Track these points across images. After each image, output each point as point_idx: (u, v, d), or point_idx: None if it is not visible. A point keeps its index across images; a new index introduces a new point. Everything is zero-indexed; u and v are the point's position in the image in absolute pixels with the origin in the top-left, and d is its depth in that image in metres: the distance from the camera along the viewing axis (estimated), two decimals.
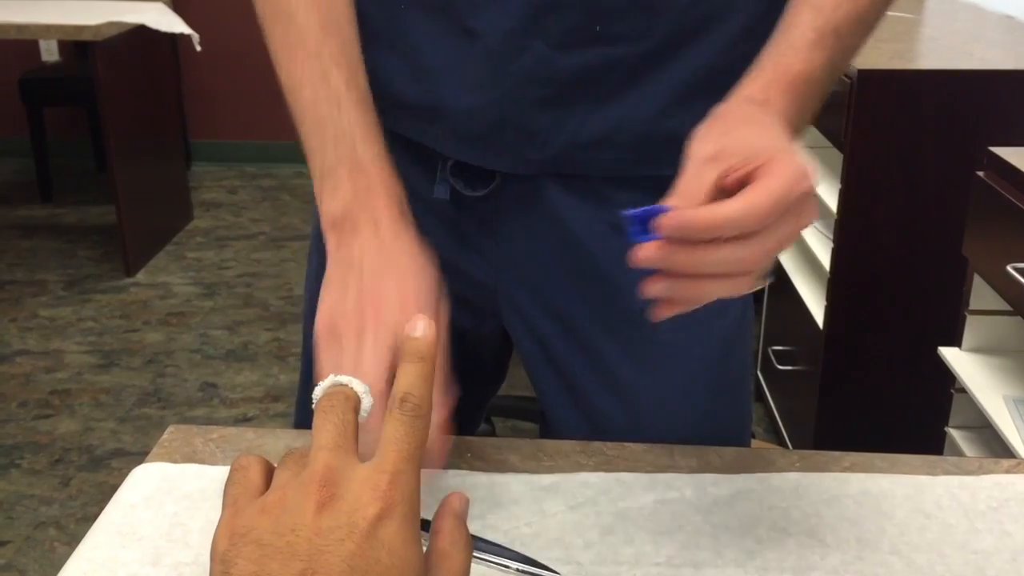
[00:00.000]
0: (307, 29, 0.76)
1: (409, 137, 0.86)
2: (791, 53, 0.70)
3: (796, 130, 0.69)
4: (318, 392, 0.50)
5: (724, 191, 0.59)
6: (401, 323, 0.62)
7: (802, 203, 0.58)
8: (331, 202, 0.74)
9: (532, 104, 0.77)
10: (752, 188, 0.57)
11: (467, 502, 0.54)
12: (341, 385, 0.50)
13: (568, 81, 0.77)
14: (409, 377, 0.48)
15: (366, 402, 0.50)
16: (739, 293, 0.60)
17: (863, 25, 0.74)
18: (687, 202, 0.59)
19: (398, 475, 0.45)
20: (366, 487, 0.44)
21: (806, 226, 0.60)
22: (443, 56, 0.78)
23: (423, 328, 0.49)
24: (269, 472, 0.49)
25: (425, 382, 0.48)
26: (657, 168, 0.68)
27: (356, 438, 0.47)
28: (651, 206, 0.58)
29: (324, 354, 0.70)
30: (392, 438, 0.46)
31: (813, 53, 0.70)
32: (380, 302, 0.70)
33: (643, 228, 0.58)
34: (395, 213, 0.74)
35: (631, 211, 0.58)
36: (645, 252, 0.58)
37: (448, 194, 0.84)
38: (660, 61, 0.77)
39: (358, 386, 0.50)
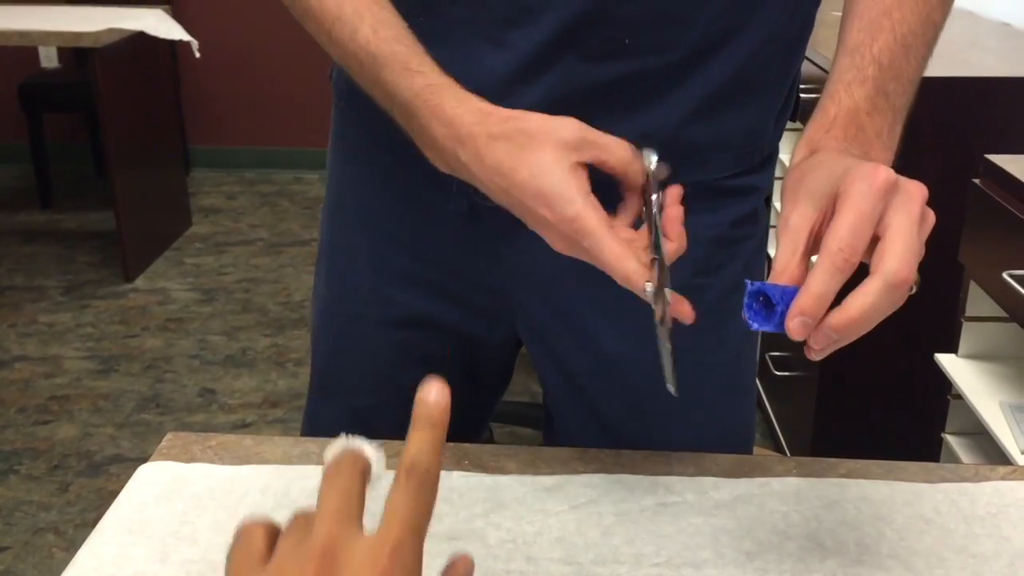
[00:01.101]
0: (326, 4, 0.74)
1: None
2: (828, 101, 0.71)
3: (867, 159, 0.68)
4: (328, 455, 0.49)
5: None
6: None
7: (899, 196, 0.59)
8: (427, 156, 0.71)
9: (555, 114, 0.78)
10: (834, 218, 0.59)
11: (472, 568, 0.54)
12: (351, 448, 0.49)
13: (594, 92, 0.77)
14: (418, 444, 0.48)
15: (376, 467, 0.49)
16: (894, 309, 0.60)
17: (910, 49, 0.73)
18: (782, 277, 0.60)
19: (400, 547, 0.44)
20: (366, 561, 0.43)
21: (927, 223, 0.60)
22: (467, 66, 0.78)
23: (436, 394, 0.49)
24: (274, 535, 0.48)
25: (434, 450, 0.48)
26: (676, 176, 0.69)
27: (362, 505, 0.47)
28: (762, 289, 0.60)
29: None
30: (397, 507, 0.45)
31: (852, 90, 0.70)
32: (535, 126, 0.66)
33: (764, 311, 0.61)
34: (465, 123, 0.68)
35: (751, 317, 0.61)
36: (817, 345, 0.59)
37: (464, 204, 0.85)
38: (684, 72, 0.78)
39: (369, 451, 0.49)
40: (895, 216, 0.59)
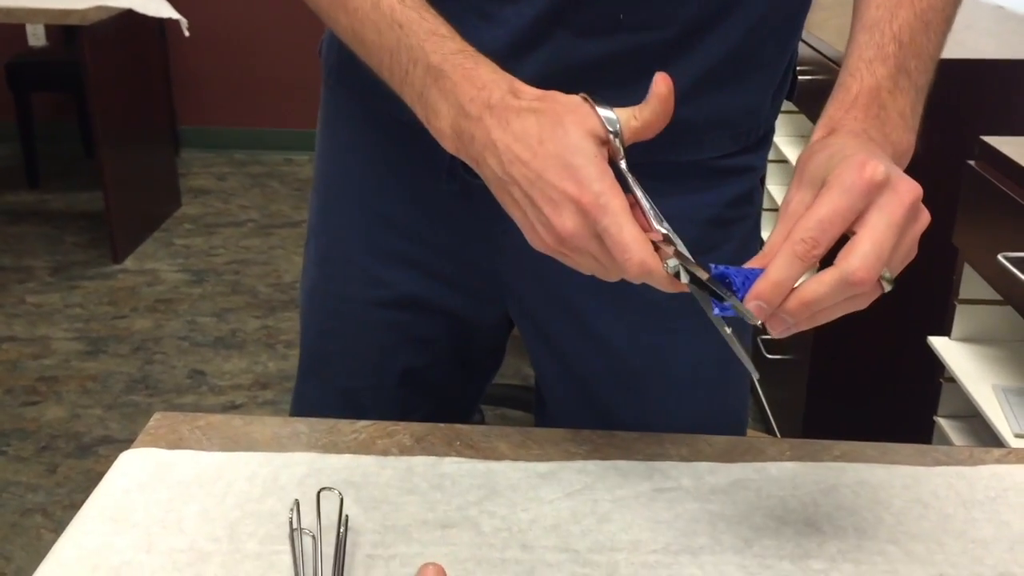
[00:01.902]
0: None
1: (414, 124, 0.85)
2: (849, 79, 0.69)
3: (888, 141, 0.67)
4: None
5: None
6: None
7: (885, 196, 0.58)
8: (438, 123, 0.67)
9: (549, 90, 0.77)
10: (811, 205, 0.59)
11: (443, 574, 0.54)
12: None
13: (588, 68, 0.76)
14: None
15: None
16: (862, 307, 0.60)
17: (926, 25, 0.72)
18: (770, 257, 0.60)
19: None
20: None
21: (915, 225, 0.60)
22: None
23: None
24: None
25: None
26: (672, 154, 0.67)
27: None
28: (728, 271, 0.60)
29: (573, 258, 0.64)
30: None
31: (873, 67, 0.69)
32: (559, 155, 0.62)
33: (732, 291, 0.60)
34: (498, 89, 0.65)
35: (721, 309, 0.61)
36: (775, 330, 0.60)
37: (455, 183, 0.84)
38: (680, 49, 0.76)
39: None
40: (874, 215, 0.58)
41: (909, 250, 0.60)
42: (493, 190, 0.66)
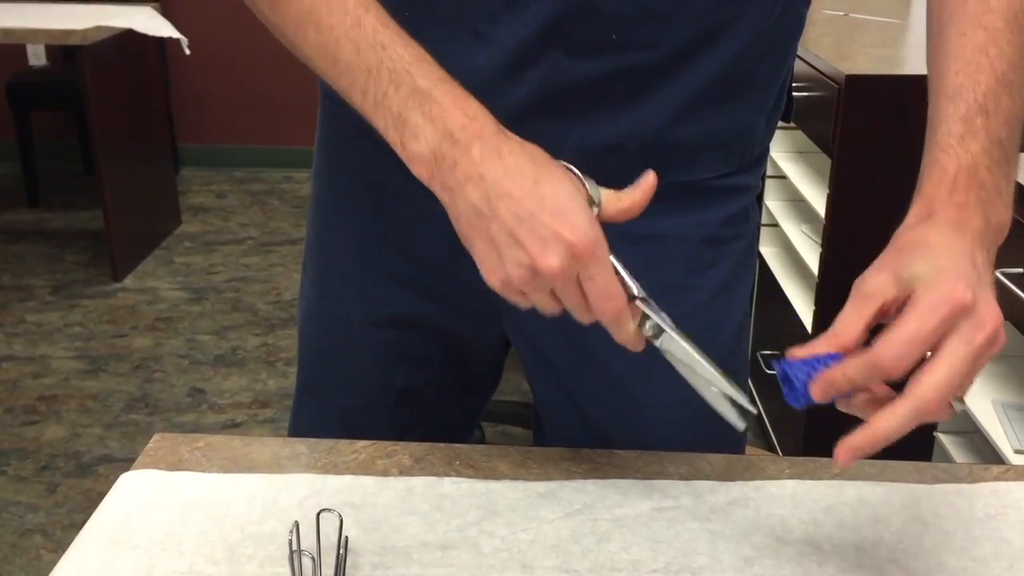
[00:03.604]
0: None
1: None
2: (943, 156, 0.67)
3: (988, 226, 0.66)
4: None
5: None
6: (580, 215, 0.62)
7: (968, 321, 0.59)
8: (416, 147, 0.66)
9: (542, 110, 0.77)
10: (896, 322, 0.59)
11: None
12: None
13: (580, 89, 0.76)
14: None
15: None
16: (941, 419, 0.61)
17: (1012, 87, 0.70)
18: (841, 339, 0.61)
19: None
20: None
21: (991, 351, 0.60)
22: (451, 61, 0.77)
23: None
24: None
25: None
26: (665, 175, 0.68)
27: None
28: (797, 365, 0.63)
29: (534, 297, 0.66)
30: None
31: (966, 144, 0.67)
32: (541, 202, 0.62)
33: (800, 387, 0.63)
34: (490, 123, 0.66)
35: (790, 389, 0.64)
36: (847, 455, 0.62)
37: None
38: (672, 69, 0.77)
39: None
40: (951, 341, 0.59)
41: (978, 373, 0.61)
42: (459, 221, 0.65)
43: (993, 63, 0.70)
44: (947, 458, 1.55)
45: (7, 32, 3.07)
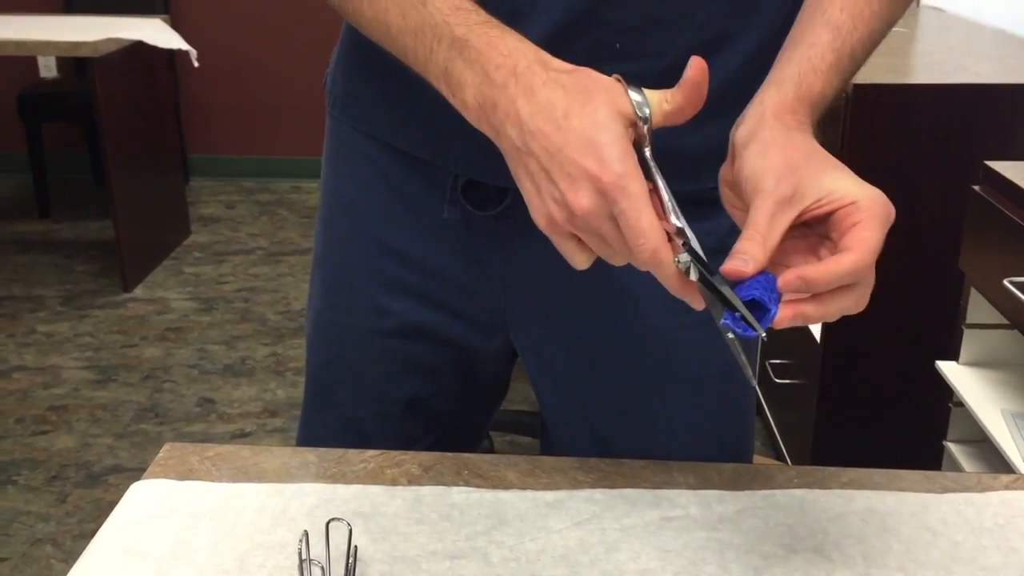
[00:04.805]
0: None
1: (419, 156, 0.86)
2: (813, 75, 0.70)
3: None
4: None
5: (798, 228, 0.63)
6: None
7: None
8: (463, 95, 0.65)
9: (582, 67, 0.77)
10: (855, 244, 0.61)
11: None
12: None
13: None
14: None
15: None
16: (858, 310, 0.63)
17: (872, 46, 0.75)
18: (764, 240, 0.61)
19: None
20: None
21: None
22: None
23: None
24: None
25: None
26: (670, 185, 0.68)
27: None
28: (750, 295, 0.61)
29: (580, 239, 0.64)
30: None
31: (831, 75, 0.70)
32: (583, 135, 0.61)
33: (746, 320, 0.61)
34: (525, 56, 0.65)
35: (729, 321, 0.61)
36: (782, 321, 0.61)
37: (459, 214, 0.84)
38: (675, 78, 0.77)
39: None
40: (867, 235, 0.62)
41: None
42: (509, 161, 0.65)
43: (872, 19, 0.73)
44: (956, 467, 1.55)
45: (19, 44, 3.09)
